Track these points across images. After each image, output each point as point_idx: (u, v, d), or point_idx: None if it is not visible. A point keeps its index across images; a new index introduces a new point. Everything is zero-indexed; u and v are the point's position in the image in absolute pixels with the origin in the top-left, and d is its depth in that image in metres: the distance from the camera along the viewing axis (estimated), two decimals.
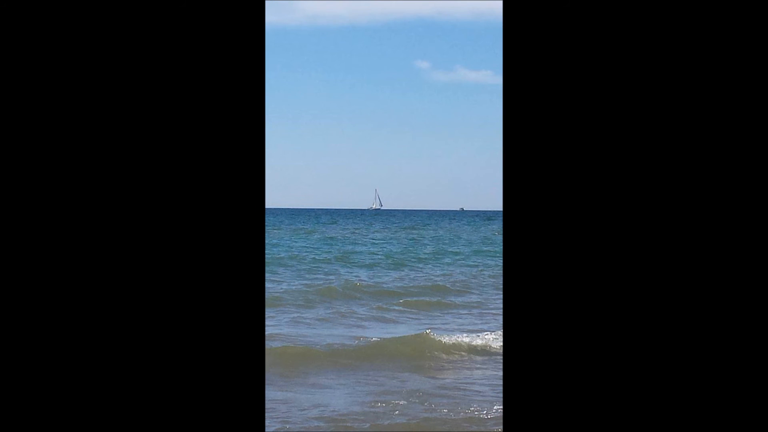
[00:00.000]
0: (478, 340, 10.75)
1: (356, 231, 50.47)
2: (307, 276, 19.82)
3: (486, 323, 12.72)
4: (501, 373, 7.70)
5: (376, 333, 11.67)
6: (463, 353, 10.35)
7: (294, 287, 16.80)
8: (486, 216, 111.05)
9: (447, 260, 26.63)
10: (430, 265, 24.46)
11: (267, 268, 15.16)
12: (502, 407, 4.64)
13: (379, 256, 27.45)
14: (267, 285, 14.59)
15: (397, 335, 11.26)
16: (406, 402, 7.63)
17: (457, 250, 31.50)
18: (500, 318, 8.81)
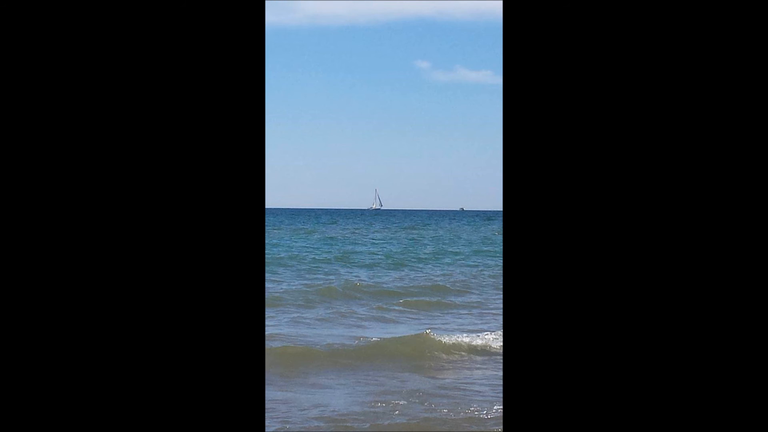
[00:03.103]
0: (478, 340, 10.75)
1: (356, 231, 50.45)
2: (307, 276, 19.82)
3: (486, 323, 12.71)
4: (501, 373, 7.70)
5: (376, 333, 11.67)
6: (463, 353, 10.34)
7: (294, 287, 16.79)
8: (486, 216, 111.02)
9: (447, 260, 26.62)
10: (430, 265, 24.46)
11: (267, 268, 15.15)
12: (502, 407, 4.64)
13: (379, 256, 27.45)
14: (267, 285, 14.58)
15: (397, 335, 11.26)
16: (406, 402, 7.63)
17: (457, 250, 31.50)
18: (500, 318, 8.81)
